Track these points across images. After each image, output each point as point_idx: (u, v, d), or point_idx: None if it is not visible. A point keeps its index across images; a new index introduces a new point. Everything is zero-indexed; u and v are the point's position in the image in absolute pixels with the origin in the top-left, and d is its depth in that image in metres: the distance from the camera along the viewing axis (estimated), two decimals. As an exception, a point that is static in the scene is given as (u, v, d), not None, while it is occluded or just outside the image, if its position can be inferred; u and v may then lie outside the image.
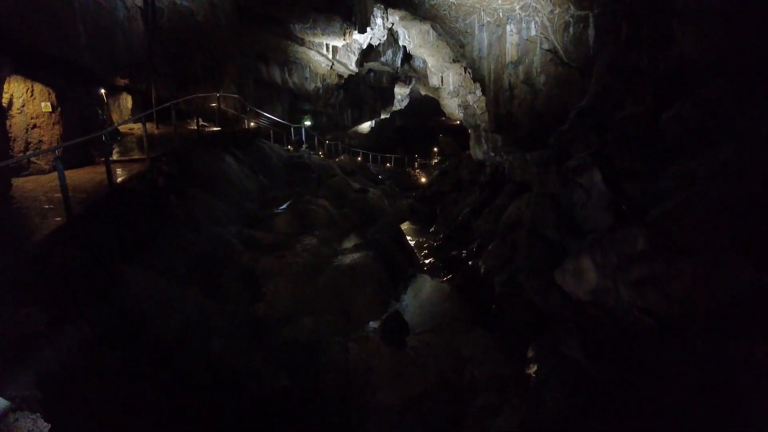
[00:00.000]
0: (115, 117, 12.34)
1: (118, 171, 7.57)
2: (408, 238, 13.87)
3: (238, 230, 8.58)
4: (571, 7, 10.47)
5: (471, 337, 7.03)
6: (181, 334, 5.80)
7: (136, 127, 11.68)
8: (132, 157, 9.00)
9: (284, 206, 10.05)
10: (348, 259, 8.35)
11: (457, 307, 8.16)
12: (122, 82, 12.51)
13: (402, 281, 8.99)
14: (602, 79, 8.64)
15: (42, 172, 7.42)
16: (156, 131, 11.60)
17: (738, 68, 6.27)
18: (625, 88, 8.04)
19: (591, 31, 10.49)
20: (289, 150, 16.05)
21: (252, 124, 15.54)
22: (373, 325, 7.29)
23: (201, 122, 12.31)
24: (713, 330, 3.41)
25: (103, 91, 10.98)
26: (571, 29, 10.76)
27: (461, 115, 20.55)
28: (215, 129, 12.92)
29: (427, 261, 12.68)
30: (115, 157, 8.85)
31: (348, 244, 9.49)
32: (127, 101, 12.74)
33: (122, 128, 11.21)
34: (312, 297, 7.34)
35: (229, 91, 15.37)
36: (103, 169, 6.48)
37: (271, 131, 15.98)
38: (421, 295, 8.63)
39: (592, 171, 5.89)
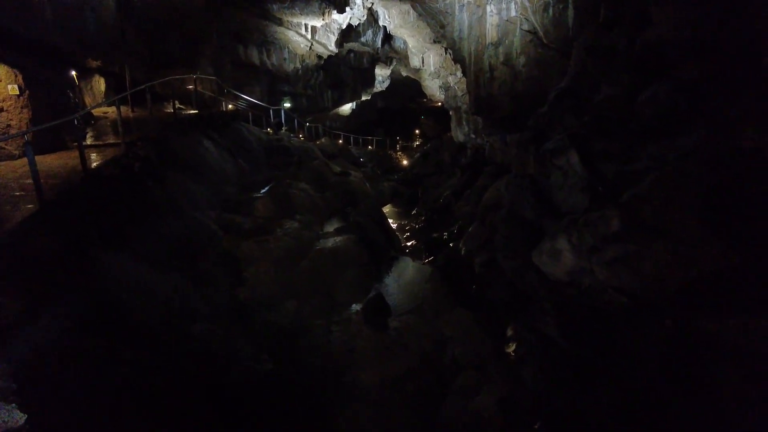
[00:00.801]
0: (87, 100, 11.96)
1: (93, 156, 7.37)
2: (390, 220, 13.92)
3: (218, 215, 8.48)
4: (551, -13, 10.47)
5: (452, 317, 7.14)
6: (163, 319, 5.76)
7: (111, 111, 11.36)
8: (106, 142, 8.76)
9: (264, 190, 9.96)
10: (330, 242, 8.36)
11: (438, 288, 8.26)
12: (94, 63, 12.12)
13: (384, 264, 9.04)
14: (580, 61, 8.69)
15: (11, 157, 7.18)
16: (131, 115, 11.30)
17: (711, 50, 6.36)
18: (602, 70, 8.11)
19: (570, 12, 10.51)
20: (268, 133, 15.82)
21: (230, 106, 15.26)
22: (356, 307, 7.33)
23: (177, 105, 12.03)
24: (683, 306, 3.53)
25: (74, 73, 10.63)
26: (550, 10, 10.76)
27: (442, 96, 20.51)
28: (192, 112, 12.65)
29: (409, 243, 12.77)
30: (88, 141, 8.61)
31: (330, 227, 9.48)
32: (100, 84, 12.36)
33: (96, 112, 10.89)
34: (294, 281, 7.34)
35: (206, 72, 15.03)
36: (76, 154, 6.31)
37: (250, 114, 15.71)
38: (403, 277, 8.70)
39: (569, 153, 5.96)
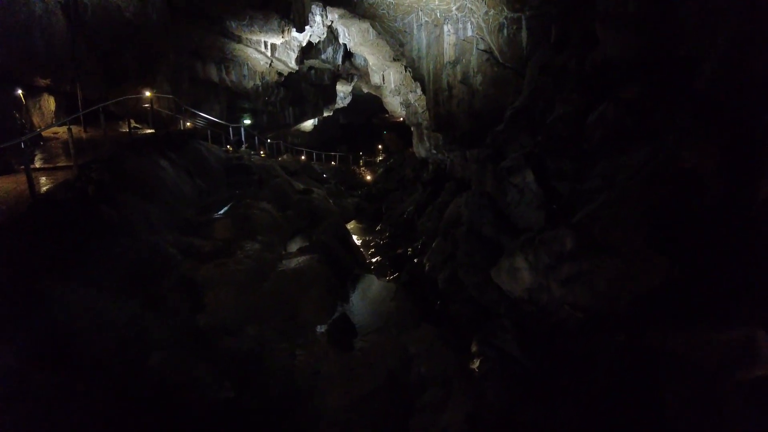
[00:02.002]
0: (36, 120, 11.50)
1: (42, 180, 7.10)
2: (354, 237, 13.92)
3: (176, 238, 8.27)
4: (505, 9, 10.85)
5: (417, 333, 7.17)
6: (117, 349, 5.56)
7: (61, 131, 10.95)
8: (57, 164, 8.45)
9: (224, 211, 9.79)
10: (293, 263, 8.28)
11: (403, 304, 8.30)
12: (43, 82, 11.69)
13: (349, 282, 9.02)
14: (534, 80, 9.02)
15: (-50, 183, 6.82)
16: (84, 135, 10.94)
17: (652, 71, 6.74)
18: (555, 89, 8.45)
19: (524, 33, 10.93)
20: (228, 151, 15.61)
21: (188, 124, 14.99)
22: (321, 329, 7.27)
23: (133, 124, 11.73)
24: (633, 322, 3.70)
25: (20, 92, 10.22)
26: (505, 30, 11.15)
27: (403, 113, 20.78)
28: (149, 131, 12.36)
29: (374, 260, 12.78)
30: (37, 164, 8.28)
31: (293, 247, 9.40)
32: (49, 103, 11.91)
33: (46, 132, 10.47)
34: (256, 304, 7.22)
35: (163, 90, 14.73)
36: (23, 178, 6.06)
37: (209, 132, 15.46)
38: (368, 295, 8.70)
39: (525, 171, 6.17)
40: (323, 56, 21.82)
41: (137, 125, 12.78)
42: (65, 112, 11.90)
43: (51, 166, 8.31)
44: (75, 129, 9.40)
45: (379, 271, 11.32)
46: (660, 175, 4.17)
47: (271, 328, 6.98)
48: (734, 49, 4.81)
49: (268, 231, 9.35)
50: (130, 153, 9.54)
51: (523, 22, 10.73)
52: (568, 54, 9.02)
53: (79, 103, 11.29)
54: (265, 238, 8.92)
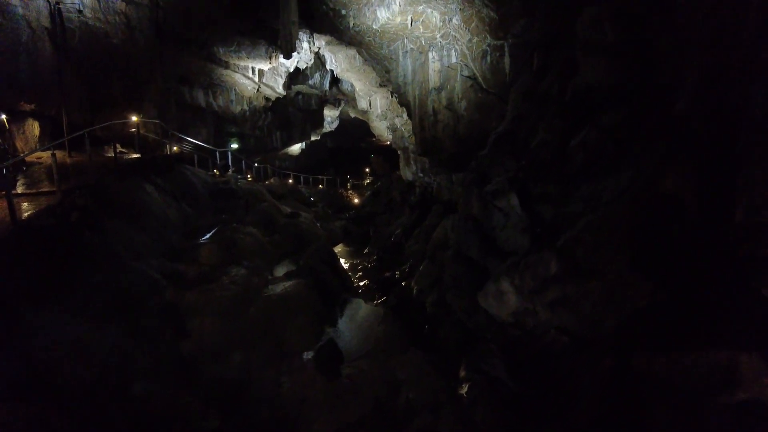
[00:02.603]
0: (19, 145, 11.41)
1: (24, 205, 7.00)
2: (342, 260, 13.86)
3: (161, 264, 8.16)
4: (488, 36, 11.14)
5: (406, 359, 7.10)
6: (98, 378, 5.43)
7: (45, 156, 10.84)
8: (40, 190, 8.35)
9: (209, 235, 9.71)
10: (279, 288, 8.20)
11: (391, 329, 8.23)
12: (28, 107, 11.65)
13: (337, 306, 8.95)
14: (517, 106, 9.23)
15: (-70, 210, 6.69)
16: (68, 160, 10.84)
17: (631, 97, 6.95)
18: (538, 115, 8.64)
19: (507, 60, 11.20)
20: (214, 175, 15.56)
21: (174, 149, 14.96)
22: (308, 355, 7.17)
23: (119, 149, 11.68)
24: (619, 345, 3.72)
25: (3, 117, 10.16)
26: (488, 57, 11.43)
27: (390, 137, 21.01)
28: (135, 156, 12.30)
29: (361, 283, 12.71)
30: (19, 190, 8.18)
31: (279, 272, 9.32)
32: (33, 128, 11.84)
33: (29, 157, 10.37)
34: (242, 331, 7.11)
35: (150, 115, 14.73)
36: (4, 204, 5.98)
37: (195, 156, 15.43)
38: (355, 320, 8.63)
39: (509, 195, 6.25)
40: (310, 82, 22.07)
41: (123, 150, 12.71)
42: (50, 137, 11.82)
43: (34, 191, 8.21)
44: (59, 154, 9.34)
45: (367, 294, 11.26)
46: (641, 199, 4.26)
47: (257, 355, 6.87)
48: (705, 79, 4.99)
49: (254, 256, 9.28)
50: (116, 178, 9.48)
51: (506, 50, 11.01)
52: (550, 81, 9.25)
53: (64, 128, 11.24)
54: (251, 263, 8.84)
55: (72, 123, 11.83)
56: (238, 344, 6.89)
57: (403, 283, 10.98)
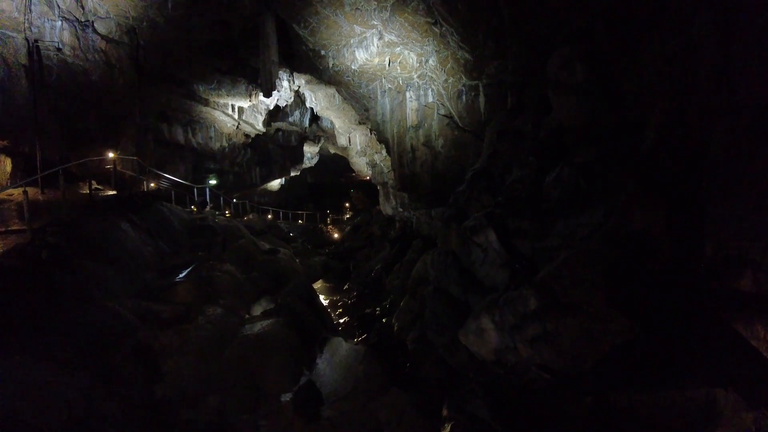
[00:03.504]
0: (-11, 182, 11.17)
1: (-9, 245, 6.80)
2: (322, 297, 13.69)
3: (134, 303, 7.94)
4: (463, 77, 11.51)
5: (387, 399, 6.95)
6: (64, 429, 5.15)
7: (17, 193, 10.60)
8: (9, 228, 8.13)
9: (185, 273, 9.52)
10: (257, 327, 8.03)
11: (372, 368, 8.07)
12: (0, 143, 11.47)
13: (316, 345, 8.76)
14: (493, 144, 9.46)
15: None
16: (41, 197, 10.61)
17: (602, 136, 7.20)
18: (512, 152, 8.86)
19: (481, 99, 11.54)
20: (192, 212, 15.40)
21: (152, 185, 14.82)
22: (285, 397, 6.96)
23: (95, 185, 11.52)
24: (599, 382, 3.73)
25: (-27, 154, 9.96)
26: (463, 97, 11.77)
27: (370, 172, 21.23)
28: (111, 193, 12.13)
29: (341, 320, 12.53)
30: (-14, 229, 7.96)
31: (257, 310, 9.15)
32: (5, 164, 11.63)
33: (-1, 195, 10.13)
34: (218, 373, 6.90)
35: (127, 151, 14.66)
36: (-30, 245, 5.81)
37: (173, 192, 15.29)
38: (335, 359, 8.44)
39: (487, 231, 6.33)
40: (290, 119, 22.32)
41: (99, 186, 12.55)
42: (22, 174, 11.62)
43: (3, 229, 7.99)
44: (31, 191, 9.16)
45: (347, 332, 11.09)
46: (614, 235, 4.37)
47: (233, 398, 6.64)
48: (669, 119, 5.23)
49: (231, 294, 9.11)
50: (90, 215, 9.31)
51: (481, 90, 11.37)
52: (523, 119, 9.54)
53: (38, 165, 11.07)
54: (228, 302, 8.67)
55: (47, 159, 11.68)
56: (214, 387, 6.66)
57: (383, 320, 10.86)
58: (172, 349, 7.00)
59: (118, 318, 7.20)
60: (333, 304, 14.15)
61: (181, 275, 9.43)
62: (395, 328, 9.49)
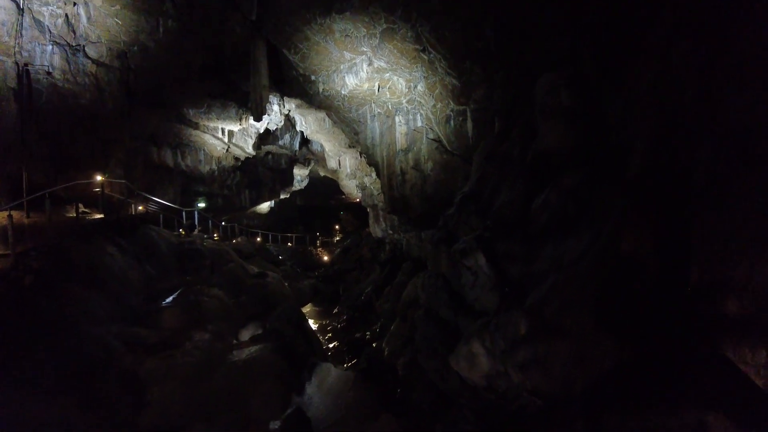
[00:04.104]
0: (-28, 206, 10.99)
1: (-28, 271, 6.67)
2: (311, 321, 13.54)
3: (120, 329, 7.79)
4: (451, 102, 11.70)
5: (378, 426, 6.85)
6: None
7: (1, 217, 10.45)
8: (-8, 253, 7.98)
9: (173, 298, 9.38)
10: (245, 353, 7.91)
11: (362, 394, 7.97)
12: (-16, 167, 11.36)
13: (305, 371, 8.63)
14: (481, 167, 9.57)
15: None
16: (26, 221, 10.46)
17: (588, 160, 7.32)
18: (500, 176, 8.97)
19: (469, 124, 11.71)
20: (180, 235, 15.27)
21: (140, 208, 14.69)
22: (274, 425, 6.81)
23: (83, 209, 11.40)
24: (590, 406, 3.72)
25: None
26: (451, 122, 11.95)
27: (360, 194, 21.30)
28: (98, 216, 12.00)
29: (331, 345, 12.39)
30: (-32, 254, 7.80)
31: (245, 335, 9.03)
32: (-11, 188, 11.48)
33: (-19, 219, 9.96)
34: (205, 400, 6.76)
35: (115, 175, 14.57)
36: (-49, 270, 5.69)
37: (161, 216, 15.17)
38: (324, 385, 8.32)
39: (477, 254, 6.36)
40: (280, 142, 22.40)
41: (86, 210, 12.41)
42: (8, 196, 11.47)
43: (-15, 255, 7.83)
44: (16, 214, 9.02)
45: (337, 357, 10.96)
46: (602, 259, 4.41)
47: (220, 425, 6.49)
48: (654, 143, 5.34)
49: (219, 319, 8.98)
50: (76, 239, 9.18)
51: (468, 114, 11.56)
52: (510, 143, 9.68)
53: (24, 188, 10.95)
54: (215, 327, 8.55)
55: (34, 182, 11.57)
56: (201, 414, 6.52)
57: (373, 344, 10.77)
58: (157, 375, 6.86)
59: (102, 344, 7.07)
60: (322, 329, 14.00)
61: (168, 300, 9.29)
62: (385, 352, 9.40)
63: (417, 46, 10.41)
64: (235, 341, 8.69)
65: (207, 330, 8.25)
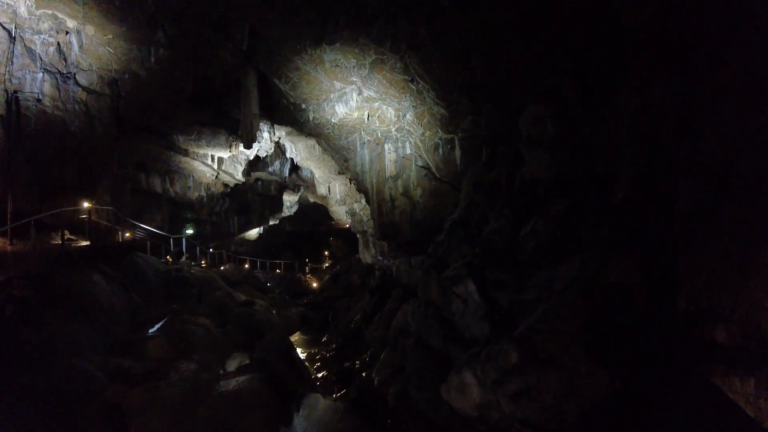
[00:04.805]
0: (-46, 233, 10.80)
1: (-49, 301, 6.51)
2: (299, 350, 13.34)
3: (104, 359, 7.62)
4: (439, 131, 11.90)
5: (367, 458, 6.71)
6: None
7: (-17, 245, 10.28)
8: (-27, 282, 7.80)
9: (158, 327, 9.21)
10: (232, 384, 7.74)
11: (351, 425, 7.81)
12: (-33, 194, 11.21)
13: (293, 402, 8.45)
14: (469, 195, 9.69)
15: None
16: (9, 248, 10.29)
17: (574, 188, 7.45)
18: (488, 203, 9.07)
19: (457, 152, 11.90)
20: (168, 262, 15.10)
21: (127, 235, 14.55)
22: (261, 459, 6.65)
23: (68, 236, 11.24)
24: (582, 437, 3.70)
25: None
26: (440, 149, 12.13)
27: (349, 220, 21.32)
28: (84, 243, 11.84)
29: (320, 374, 12.17)
30: (-53, 283, 7.64)
31: (232, 365, 8.85)
32: (-27, 215, 11.29)
33: (-37, 247, 9.80)
34: (190, 433, 6.58)
35: (103, 201, 14.44)
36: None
37: (148, 243, 15.01)
38: (313, 417, 8.14)
39: (467, 282, 6.38)
40: (270, 169, 22.47)
41: (72, 237, 12.24)
42: (-9, 224, 11.29)
43: (-34, 284, 7.67)
44: (0, 241, 8.89)
45: (326, 387, 10.76)
46: (590, 288, 4.46)
47: (205, 460, 6.31)
48: (638, 172, 5.48)
49: (205, 349, 8.82)
50: (61, 267, 9.04)
51: (456, 143, 11.75)
52: (498, 171, 9.83)
53: (8, 216, 10.81)
54: (202, 357, 8.38)
55: (19, 209, 11.43)
56: (185, 449, 6.34)
57: (363, 374, 10.60)
58: (142, 408, 6.68)
59: (85, 376, 6.90)
60: (311, 357, 13.77)
61: (153, 329, 9.12)
62: (375, 382, 9.26)
63: (406, 77, 10.63)
64: (221, 371, 8.52)
65: (193, 360, 8.08)
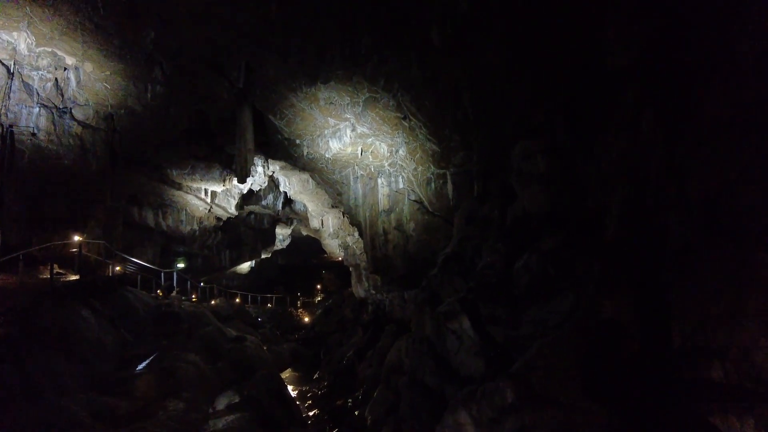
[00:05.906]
0: (-59, 268, 10.62)
1: (-67, 339, 6.36)
2: (290, 387, 13.05)
3: (89, 399, 7.38)
4: (431, 166, 12.07)
5: (359, 502, 6.49)
6: None
7: (-32, 279, 10.09)
8: (-43, 318, 7.63)
9: (147, 364, 9.00)
10: (221, 423, 7.52)
11: (343, 467, 7.60)
12: (-45, 227, 11.11)
13: (283, 442, 8.24)
14: (462, 229, 9.75)
15: None
16: (-6, 283, 10.11)
17: (565, 223, 7.53)
18: (481, 237, 9.13)
19: (449, 186, 12.04)
20: (158, 296, 14.88)
21: (117, 269, 14.36)
22: (249, 503, 6.41)
23: (58, 269, 11.08)
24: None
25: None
26: (432, 184, 12.27)
27: (342, 254, 21.25)
28: (73, 278, 11.67)
29: (311, 413, 11.87)
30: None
31: (222, 403, 8.62)
32: (-40, 249, 11.14)
33: (-51, 281, 9.63)
34: (176, 477, 6.34)
35: (94, 235, 14.31)
36: None
37: (139, 277, 14.82)
38: (304, 458, 7.92)
39: (461, 318, 6.35)
40: (263, 202, 22.50)
41: (61, 271, 12.06)
42: (-21, 258, 11.12)
43: (-50, 320, 7.50)
44: (-14, 277, 8.74)
45: (317, 426, 10.49)
46: (585, 324, 4.46)
47: (191, 507, 6.06)
48: (628, 208, 5.56)
49: (194, 387, 8.60)
50: (48, 302, 8.87)
51: (449, 178, 11.90)
52: (490, 206, 9.93)
53: (-4, 249, 10.69)
54: (191, 395, 8.16)
55: (8, 243, 11.30)
56: (171, 494, 6.09)
57: (356, 412, 10.36)
58: (126, 450, 6.45)
59: (68, 416, 6.67)
60: (302, 395, 13.46)
61: (141, 366, 8.90)
62: (368, 421, 9.05)
63: (398, 114, 10.86)
64: (211, 410, 8.28)
65: (182, 398, 7.87)
